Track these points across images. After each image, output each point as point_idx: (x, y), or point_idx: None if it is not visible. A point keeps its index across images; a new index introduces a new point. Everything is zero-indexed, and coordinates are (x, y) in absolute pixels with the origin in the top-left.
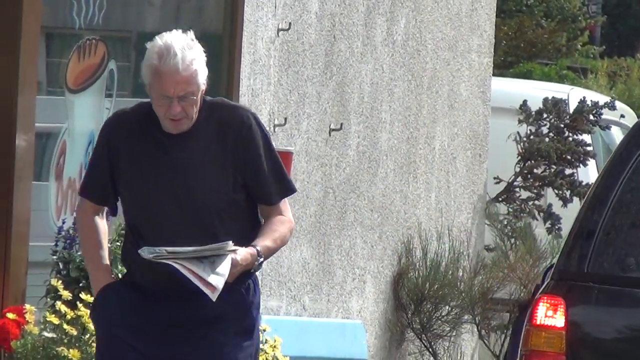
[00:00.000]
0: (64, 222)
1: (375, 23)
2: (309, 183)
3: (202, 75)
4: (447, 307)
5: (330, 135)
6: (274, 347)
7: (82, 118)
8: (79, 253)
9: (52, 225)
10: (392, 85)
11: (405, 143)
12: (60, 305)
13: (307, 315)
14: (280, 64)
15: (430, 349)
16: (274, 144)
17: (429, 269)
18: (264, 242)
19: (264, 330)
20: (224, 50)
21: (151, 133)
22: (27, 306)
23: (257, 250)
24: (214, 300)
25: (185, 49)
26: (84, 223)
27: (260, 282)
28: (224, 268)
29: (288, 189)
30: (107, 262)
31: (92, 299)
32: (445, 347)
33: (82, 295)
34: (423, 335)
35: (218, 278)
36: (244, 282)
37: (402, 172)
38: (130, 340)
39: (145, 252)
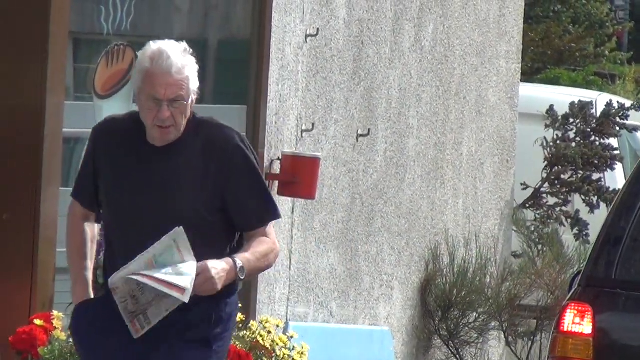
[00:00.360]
0: None
1: (403, 29)
2: (336, 189)
3: (194, 83)
4: (474, 314)
5: (357, 140)
6: (302, 353)
7: None
8: None
9: None
10: (420, 91)
11: (433, 149)
12: None
13: (334, 321)
14: (308, 69)
15: (457, 356)
16: (258, 167)
17: (456, 276)
18: (241, 254)
19: (291, 337)
20: (252, 56)
21: (136, 144)
22: (55, 312)
23: (233, 259)
24: (186, 301)
25: (178, 54)
26: (71, 227)
27: (287, 288)
28: (189, 269)
29: (271, 215)
30: (89, 272)
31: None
32: (473, 354)
33: None
34: (450, 342)
35: (184, 278)
36: (217, 300)
37: (430, 178)
38: (103, 354)
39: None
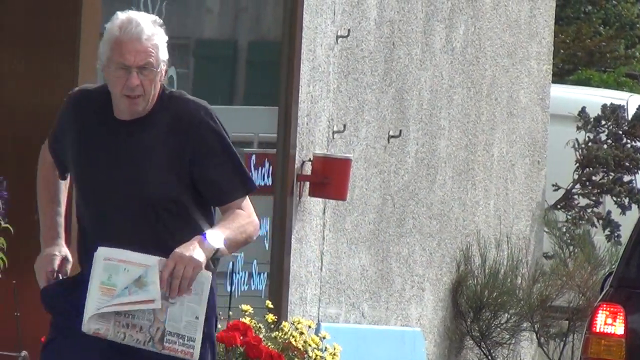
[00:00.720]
0: None
1: (434, 30)
2: (367, 190)
3: (163, 54)
4: (506, 315)
5: (389, 142)
6: (334, 354)
7: None
8: None
9: None
10: (451, 92)
11: (464, 150)
12: None
13: (366, 322)
14: (340, 70)
15: (489, 357)
16: (228, 140)
17: (487, 277)
18: (211, 229)
19: (324, 338)
20: (283, 57)
21: (107, 118)
22: None
23: (201, 233)
24: (160, 307)
25: (148, 22)
26: (43, 172)
27: (319, 289)
28: (152, 275)
29: (242, 188)
30: (62, 217)
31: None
32: (505, 355)
33: None
34: (482, 343)
35: (149, 289)
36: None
37: (461, 179)
38: (73, 330)
39: (86, 328)
